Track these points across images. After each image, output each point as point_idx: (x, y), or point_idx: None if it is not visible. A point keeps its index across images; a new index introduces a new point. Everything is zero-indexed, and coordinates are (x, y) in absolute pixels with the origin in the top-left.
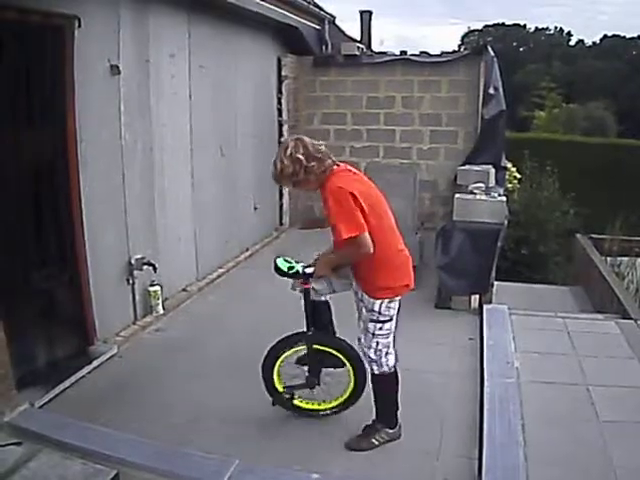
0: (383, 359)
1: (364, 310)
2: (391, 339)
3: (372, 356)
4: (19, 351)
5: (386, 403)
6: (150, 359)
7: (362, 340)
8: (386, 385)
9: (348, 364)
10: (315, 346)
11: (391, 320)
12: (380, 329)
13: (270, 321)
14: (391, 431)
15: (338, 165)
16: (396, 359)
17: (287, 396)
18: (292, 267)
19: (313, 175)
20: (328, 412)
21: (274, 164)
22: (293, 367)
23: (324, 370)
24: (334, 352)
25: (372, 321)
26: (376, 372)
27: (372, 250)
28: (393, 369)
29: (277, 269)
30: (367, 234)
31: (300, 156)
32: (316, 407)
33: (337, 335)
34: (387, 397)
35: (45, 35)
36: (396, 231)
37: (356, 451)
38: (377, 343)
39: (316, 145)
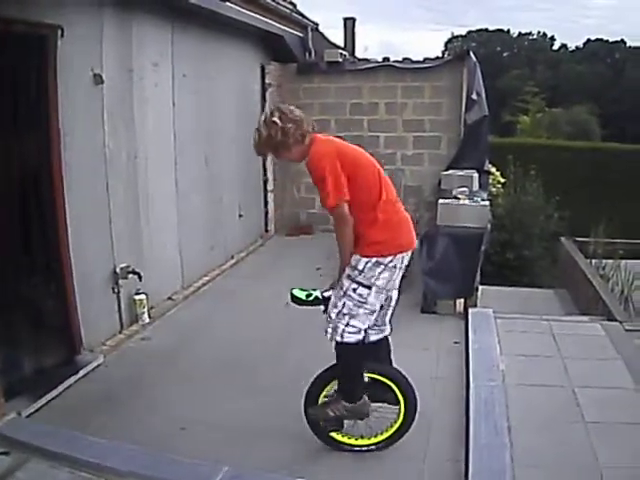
0: (341, 326)
1: (347, 270)
2: (361, 314)
3: (332, 316)
4: (6, 360)
5: (344, 375)
6: (136, 368)
7: (332, 299)
8: (344, 356)
9: (402, 401)
10: (369, 375)
11: (369, 288)
12: (354, 290)
13: (256, 329)
14: (349, 405)
15: (318, 134)
16: (363, 341)
17: (332, 429)
18: (310, 294)
19: (291, 138)
20: (364, 449)
21: (254, 134)
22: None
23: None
24: (389, 382)
25: (349, 278)
26: (328, 336)
27: (350, 219)
28: (352, 344)
29: (294, 299)
30: (346, 206)
31: (275, 119)
32: (353, 442)
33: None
34: (345, 369)
35: (29, 44)
36: (391, 193)
37: (308, 416)
38: (344, 305)
39: (293, 110)
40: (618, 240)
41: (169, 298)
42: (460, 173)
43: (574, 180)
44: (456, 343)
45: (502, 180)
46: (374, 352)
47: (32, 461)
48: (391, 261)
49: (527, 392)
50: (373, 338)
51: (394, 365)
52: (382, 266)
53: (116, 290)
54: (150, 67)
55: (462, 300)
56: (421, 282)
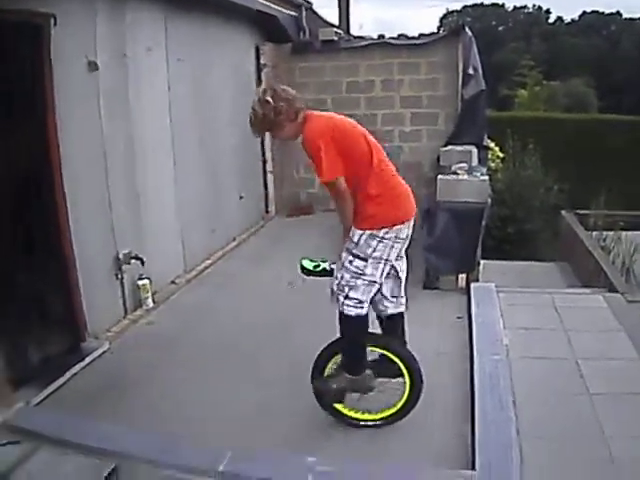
0: (341, 298)
1: (346, 243)
2: (359, 285)
3: (334, 287)
4: (12, 350)
5: (346, 347)
6: (142, 353)
7: (334, 272)
8: (345, 328)
9: (407, 376)
10: (377, 349)
11: (365, 260)
12: (350, 262)
13: (259, 311)
14: (351, 377)
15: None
16: (364, 315)
17: (336, 401)
18: (318, 265)
19: (284, 116)
20: (369, 424)
21: (249, 114)
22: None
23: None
24: (393, 357)
25: (347, 250)
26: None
27: (346, 191)
28: (353, 317)
29: (303, 269)
30: (342, 179)
31: (268, 98)
32: (359, 416)
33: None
34: (348, 341)
35: (22, 34)
36: (384, 162)
37: (313, 387)
38: (342, 277)
39: (286, 88)
40: (618, 212)
41: (172, 282)
42: (459, 149)
43: (573, 152)
44: (459, 318)
45: (501, 155)
46: (388, 327)
47: (42, 449)
48: (387, 233)
49: (531, 365)
50: (391, 312)
51: (407, 344)
52: (377, 239)
53: (119, 276)
54: (144, 52)
55: (464, 275)
56: (422, 258)
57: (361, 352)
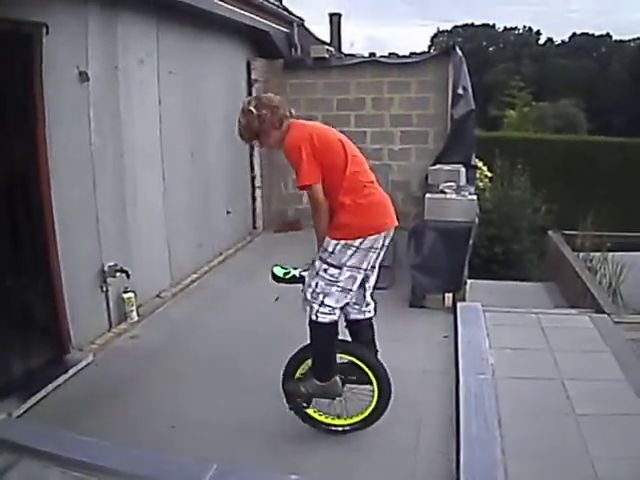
0: (315, 306)
1: (320, 251)
2: (334, 292)
3: (307, 296)
4: None
5: (316, 353)
6: (126, 366)
7: (307, 279)
8: (316, 335)
9: (375, 383)
10: (346, 356)
11: (340, 269)
12: (325, 271)
13: (245, 326)
14: (320, 384)
15: (296, 119)
16: (335, 321)
17: (304, 404)
18: (288, 272)
19: (268, 124)
20: (339, 429)
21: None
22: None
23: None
24: (361, 365)
25: (321, 259)
26: (307, 313)
27: (323, 202)
28: (325, 324)
29: (274, 276)
30: (319, 186)
31: (251, 107)
32: (330, 421)
33: (378, 354)
34: (317, 348)
35: (13, 43)
36: (363, 173)
37: (284, 391)
38: (316, 284)
39: (271, 97)
40: (605, 233)
41: (157, 296)
42: (447, 168)
43: (561, 173)
44: (445, 337)
45: (489, 174)
46: (355, 333)
47: (23, 462)
48: (362, 243)
49: (517, 385)
50: (353, 317)
51: (379, 352)
52: (353, 248)
53: (104, 288)
54: (136, 64)
55: (451, 294)
56: (409, 276)
57: (331, 359)
